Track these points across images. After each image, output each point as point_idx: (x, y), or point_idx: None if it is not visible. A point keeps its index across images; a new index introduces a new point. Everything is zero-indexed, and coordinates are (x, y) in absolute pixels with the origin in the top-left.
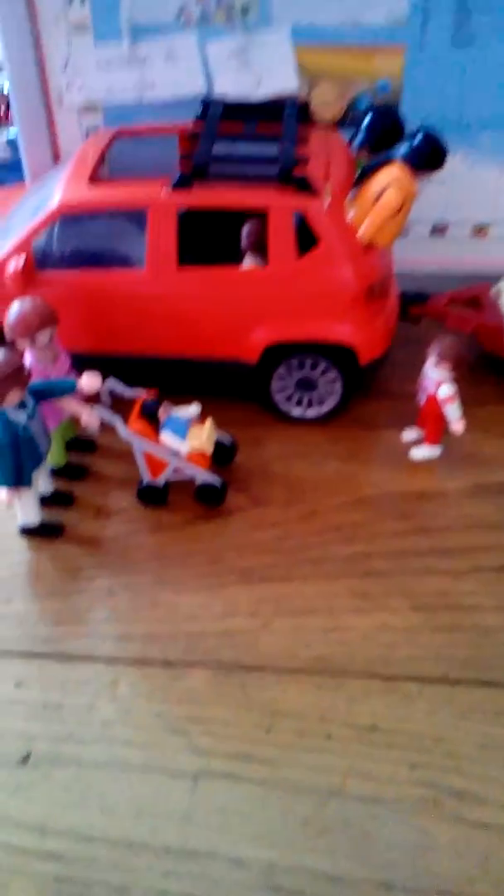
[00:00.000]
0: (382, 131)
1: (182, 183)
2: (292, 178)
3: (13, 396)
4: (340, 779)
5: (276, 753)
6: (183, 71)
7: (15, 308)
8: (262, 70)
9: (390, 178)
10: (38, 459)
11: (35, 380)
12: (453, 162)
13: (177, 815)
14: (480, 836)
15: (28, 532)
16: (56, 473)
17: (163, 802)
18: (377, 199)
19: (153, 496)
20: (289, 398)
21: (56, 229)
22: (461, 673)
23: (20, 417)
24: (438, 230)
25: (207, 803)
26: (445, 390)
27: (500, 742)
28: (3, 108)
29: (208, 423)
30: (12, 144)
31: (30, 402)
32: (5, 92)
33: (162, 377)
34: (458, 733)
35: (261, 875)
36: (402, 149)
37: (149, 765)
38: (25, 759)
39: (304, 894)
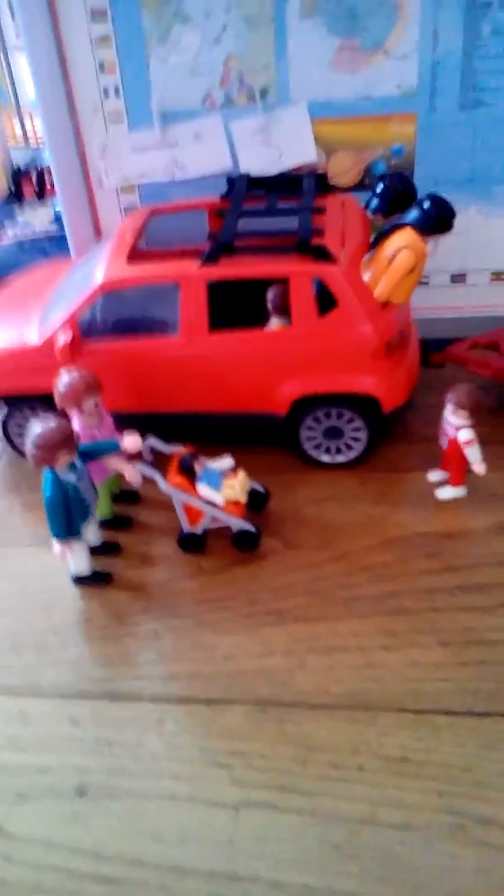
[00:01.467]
0: (395, 196)
1: (210, 259)
2: (310, 247)
3: (64, 459)
4: (371, 808)
5: (311, 784)
6: (210, 150)
7: (63, 379)
8: (283, 144)
9: (403, 241)
10: (86, 514)
11: (83, 441)
12: (469, 215)
13: (220, 842)
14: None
15: (80, 581)
16: (104, 525)
17: (207, 830)
18: (391, 260)
19: (193, 544)
20: (318, 446)
21: (98, 302)
22: (487, 706)
23: (70, 477)
24: (458, 278)
25: (248, 831)
26: (465, 435)
27: None
28: (49, 185)
29: (241, 473)
30: (59, 220)
31: (79, 463)
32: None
33: (197, 432)
34: (484, 763)
35: None
36: (413, 214)
37: (194, 796)
38: (82, 791)
39: None
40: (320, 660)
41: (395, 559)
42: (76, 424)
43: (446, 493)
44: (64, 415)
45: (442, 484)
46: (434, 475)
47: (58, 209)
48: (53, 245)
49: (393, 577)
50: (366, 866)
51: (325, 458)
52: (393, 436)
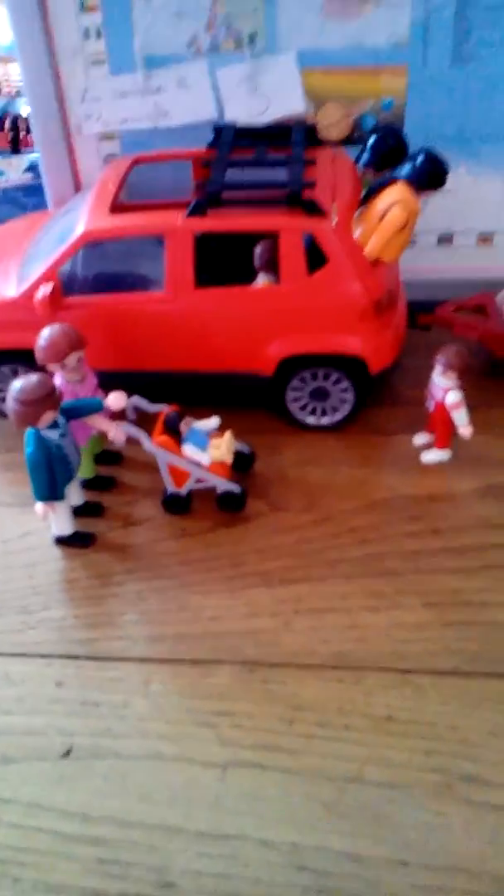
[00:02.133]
0: (386, 151)
1: (197, 210)
2: (301, 201)
3: (46, 417)
4: (359, 766)
5: (298, 744)
6: (195, 98)
7: (45, 334)
8: (271, 94)
9: (395, 196)
10: (69, 474)
11: (65, 400)
12: (457, 174)
13: (208, 801)
14: (490, 817)
15: (62, 542)
16: (86, 485)
17: (195, 790)
18: (382, 216)
19: (177, 505)
20: (303, 407)
21: (80, 256)
22: (472, 666)
23: (53, 436)
24: (445, 240)
25: (236, 790)
26: (452, 397)
27: None
28: (24, 132)
29: (227, 434)
30: (34, 169)
31: (61, 421)
32: (25, 115)
33: (182, 391)
34: (469, 722)
35: (287, 855)
36: (406, 169)
37: (181, 756)
38: (67, 752)
39: (327, 873)
40: (306, 621)
41: (380, 521)
42: (58, 381)
43: (431, 455)
44: (45, 371)
45: (427, 447)
46: (419, 438)
47: (32, 157)
48: (28, 195)
49: (378, 539)
50: (354, 824)
51: (311, 420)
52: (378, 398)
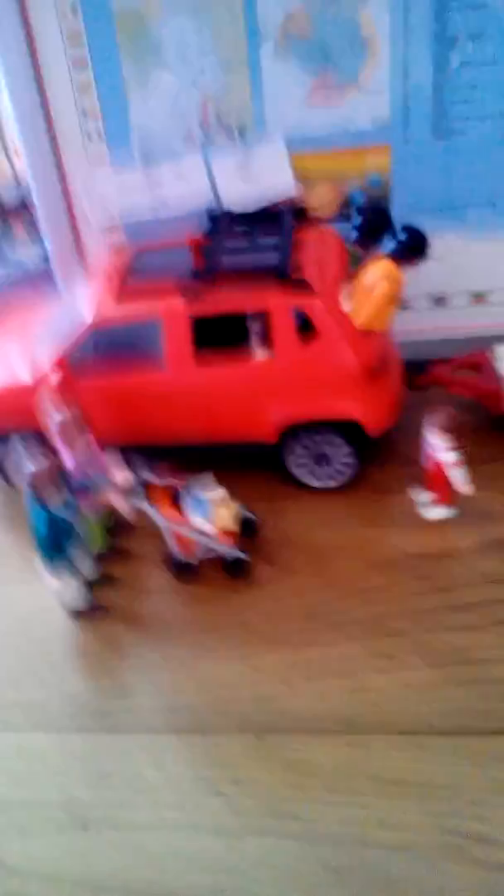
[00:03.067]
0: (372, 228)
1: (193, 296)
2: (290, 280)
3: (56, 496)
4: (369, 830)
5: (307, 809)
6: (192, 187)
7: (56, 418)
8: (263, 179)
9: (381, 272)
10: (80, 548)
11: (75, 478)
12: (447, 240)
13: (221, 870)
14: (501, 878)
15: (76, 615)
16: (99, 558)
17: (207, 858)
18: (370, 290)
19: (187, 572)
20: (309, 472)
21: (88, 341)
22: (482, 724)
23: (63, 513)
24: (439, 301)
25: (247, 858)
26: (449, 457)
27: None
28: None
29: (232, 503)
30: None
31: (71, 500)
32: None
33: (189, 460)
34: (479, 782)
35: None
36: (390, 245)
37: (193, 825)
38: (83, 824)
39: None
40: (315, 685)
41: (387, 582)
42: (68, 462)
43: (435, 512)
44: (53, 454)
45: (428, 504)
46: (420, 496)
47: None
48: (46, 283)
49: (384, 600)
50: (365, 888)
51: (316, 484)
52: (379, 456)
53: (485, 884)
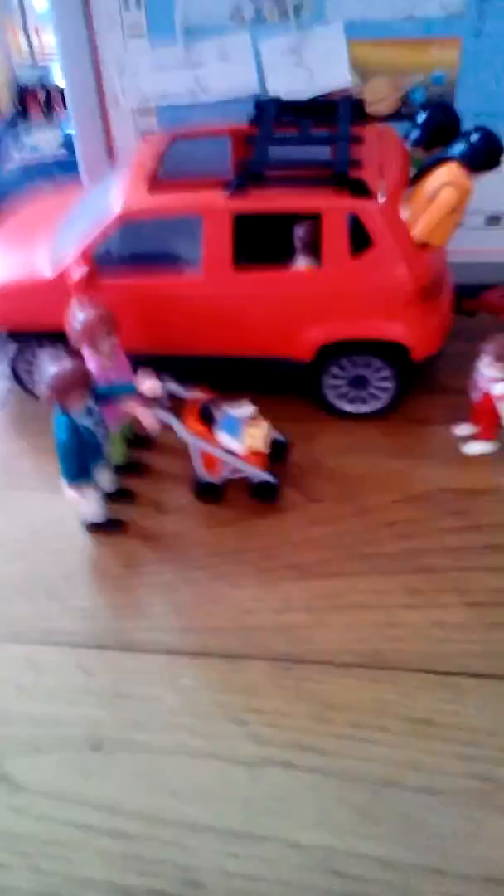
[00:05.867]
0: (438, 128)
1: (238, 189)
2: (347, 180)
3: (79, 402)
4: (394, 769)
5: (332, 744)
6: (237, 71)
7: (79, 316)
8: (316, 67)
9: (446, 177)
10: (100, 458)
11: (98, 384)
12: None
13: (237, 799)
14: None
15: (92, 528)
16: (117, 471)
17: (223, 787)
18: (433, 197)
19: (210, 493)
20: (341, 395)
21: (115, 235)
22: None
23: (85, 421)
24: (493, 220)
25: (266, 790)
26: (500, 389)
27: None
28: (56, 102)
29: (264, 423)
30: (68, 146)
31: (94, 406)
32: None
33: (217, 375)
34: None
35: (319, 859)
36: (459, 147)
37: (211, 752)
38: (96, 744)
39: (359, 878)
40: (341, 617)
41: (419, 516)
42: (91, 365)
43: (475, 447)
44: (77, 353)
45: (469, 438)
46: (461, 429)
47: (68, 132)
48: (62, 170)
49: (417, 534)
50: (389, 830)
51: (349, 408)
52: (419, 387)
53: None
